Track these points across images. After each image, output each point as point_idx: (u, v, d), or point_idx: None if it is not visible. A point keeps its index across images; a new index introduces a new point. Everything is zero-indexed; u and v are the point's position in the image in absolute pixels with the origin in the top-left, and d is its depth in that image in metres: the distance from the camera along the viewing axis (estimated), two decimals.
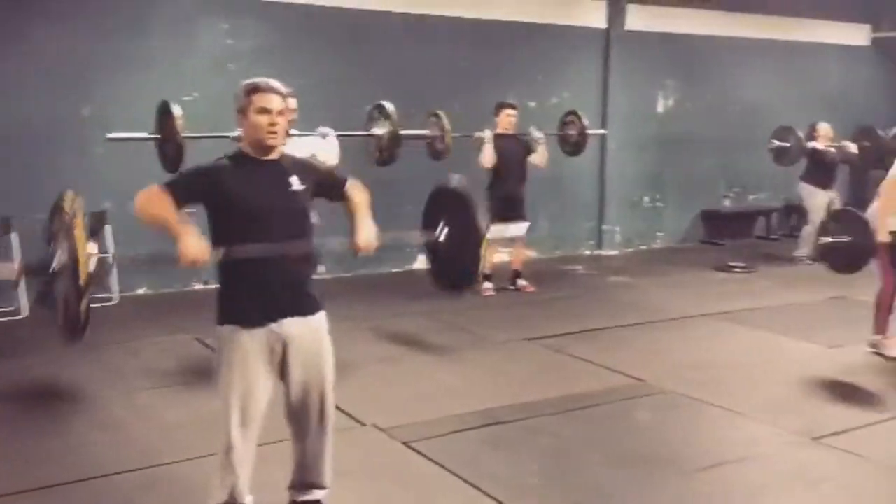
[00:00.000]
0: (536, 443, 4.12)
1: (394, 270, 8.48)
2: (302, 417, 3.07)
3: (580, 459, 3.94)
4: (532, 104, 9.28)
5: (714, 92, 10.61)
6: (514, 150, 7.41)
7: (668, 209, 10.51)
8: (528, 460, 3.92)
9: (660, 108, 10.33)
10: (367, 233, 3.13)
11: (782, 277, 8.47)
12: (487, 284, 7.52)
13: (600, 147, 9.83)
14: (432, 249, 3.50)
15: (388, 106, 6.04)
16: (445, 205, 3.50)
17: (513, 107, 7.55)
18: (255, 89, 2.91)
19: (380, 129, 6.08)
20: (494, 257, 7.58)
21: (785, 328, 6.40)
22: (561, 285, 8.13)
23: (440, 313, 6.67)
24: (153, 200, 2.83)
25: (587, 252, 9.96)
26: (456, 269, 3.45)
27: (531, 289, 7.69)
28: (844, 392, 4.98)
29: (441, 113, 6.72)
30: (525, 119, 8.66)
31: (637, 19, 9.88)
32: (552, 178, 8.75)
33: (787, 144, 9.24)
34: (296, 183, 2.98)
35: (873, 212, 5.60)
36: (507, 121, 7.48)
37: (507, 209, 7.27)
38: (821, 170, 9.04)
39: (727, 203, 10.83)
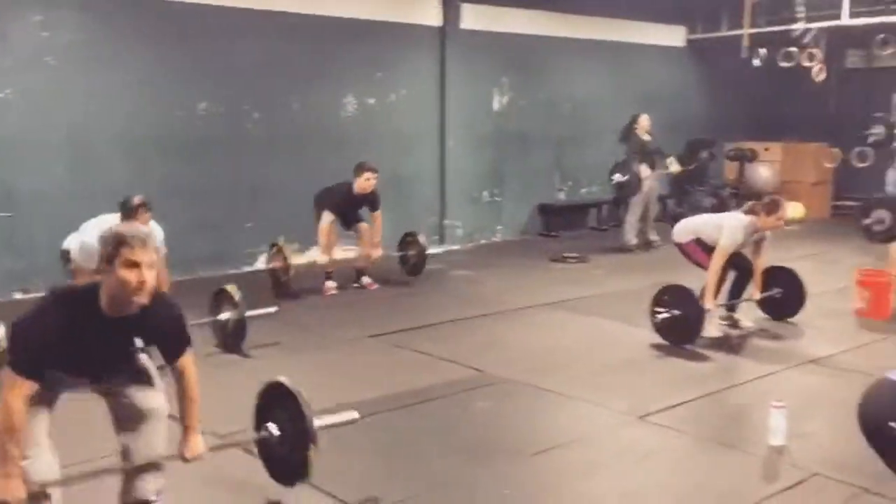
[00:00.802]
0: (376, 438, 4.14)
1: (232, 271, 8.26)
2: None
3: (419, 452, 4.00)
4: (371, 101, 9.30)
5: (547, 90, 11.01)
6: (359, 203, 7.53)
7: (507, 203, 10.82)
8: (367, 456, 3.93)
9: (496, 105, 10.60)
10: (196, 442, 3.06)
11: (613, 266, 8.92)
12: (330, 283, 7.47)
13: (440, 144, 9.99)
14: (265, 447, 3.42)
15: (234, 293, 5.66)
16: (276, 402, 3.40)
17: (374, 170, 7.35)
18: (122, 242, 2.60)
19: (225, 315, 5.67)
20: (338, 255, 7.54)
21: (615, 314, 6.74)
22: (404, 281, 8.19)
23: (281, 314, 6.55)
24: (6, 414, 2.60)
25: (431, 247, 10.07)
26: (288, 467, 3.37)
27: (375, 286, 7.70)
28: (668, 372, 5.31)
29: (281, 244, 6.75)
30: (366, 115, 8.71)
31: (472, 18, 10.09)
32: (393, 176, 8.81)
33: (626, 178, 9.72)
34: (138, 341, 2.82)
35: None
36: (366, 185, 7.34)
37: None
38: (644, 152, 9.67)
39: (561, 196, 11.29)
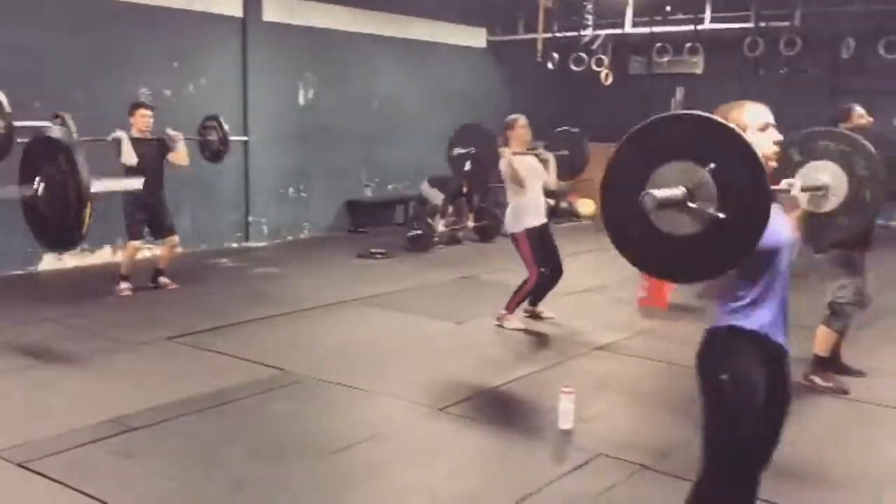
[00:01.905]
0: (172, 445, 3.97)
1: (15, 272, 7.62)
2: None
3: (218, 456, 3.88)
4: (167, 92, 8.89)
5: (353, 86, 11.01)
6: (149, 151, 7.03)
7: (314, 200, 10.72)
8: (163, 465, 3.76)
9: (301, 100, 10.46)
10: None
11: (419, 260, 9.09)
12: (124, 284, 7.07)
13: (243, 139, 9.73)
14: (30, 206, 3.03)
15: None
16: (44, 156, 3.01)
17: (148, 107, 7.14)
18: None
19: None
20: (135, 255, 7.16)
21: (419, 308, 6.87)
22: (206, 280, 7.91)
23: (71, 318, 6.15)
24: None
25: (234, 245, 9.80)
26: (58, 226, 3.00)
27: (173, 286, 7.38)
28: (468, 364, 5.47)
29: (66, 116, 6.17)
30: (161, 107, 8.27)
31: (274, 11, 9.90)
32: (193, 172, 8.45)
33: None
34: None
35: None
36: (142, 121, 7.04)
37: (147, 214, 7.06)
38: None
39: (369, 193, 11.34)
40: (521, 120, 6.32)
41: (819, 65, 11.05)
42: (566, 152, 6.90)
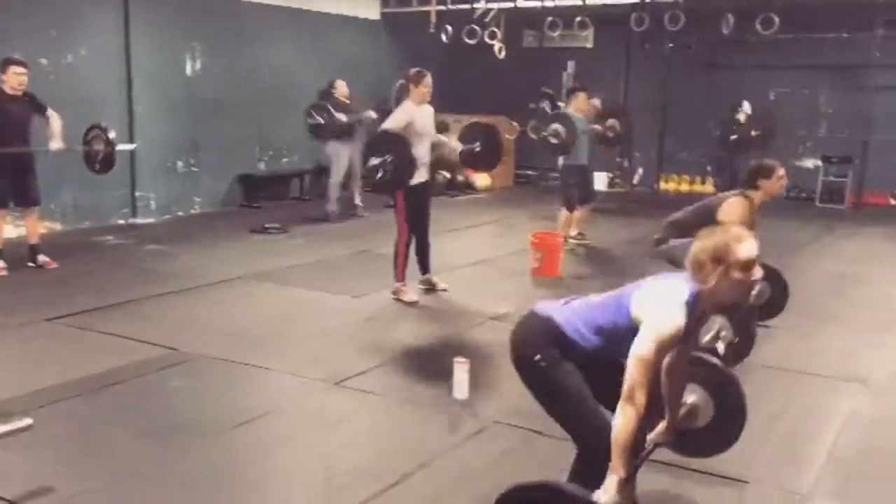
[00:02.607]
0: (56, 431, 3.81)
1: None
2: None
3: (105, 439, 3.76)
4: (44, 61, 8.42)
5: (243, 57, 10.69)
6: (17, 108, 6.66)
7: (205, 174, 10.41)
8: (47, 451, 3.61)
9: (189, 71, 10.10)
10: None
11: (314, 235, 8.98)
12: None
13: (128, 110, 9.34)
14: None
15: None
16: None
17: (20, 64, 6.76)
18: None
19: None
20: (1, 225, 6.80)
21: (315, 283, 6.81)
22: (90, 258, 7.59)
23: None
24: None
25: (121, 221, 9.42)
26: None
27: (54, 264, 7.04)
28: (365, 337, 5.48)
29: None
30: (37, 77, 7.84)
31: None
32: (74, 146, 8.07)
33: (321, 121, 9.73)
34: None
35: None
36: (14, 79, 6.67)
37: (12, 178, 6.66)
38: (343, 128, 9.82)
39: (262, 166, 11.09)
40: (427, 78, 6.30)
41: (701, 40, 11.44)
42: (477, 145, 6.82)
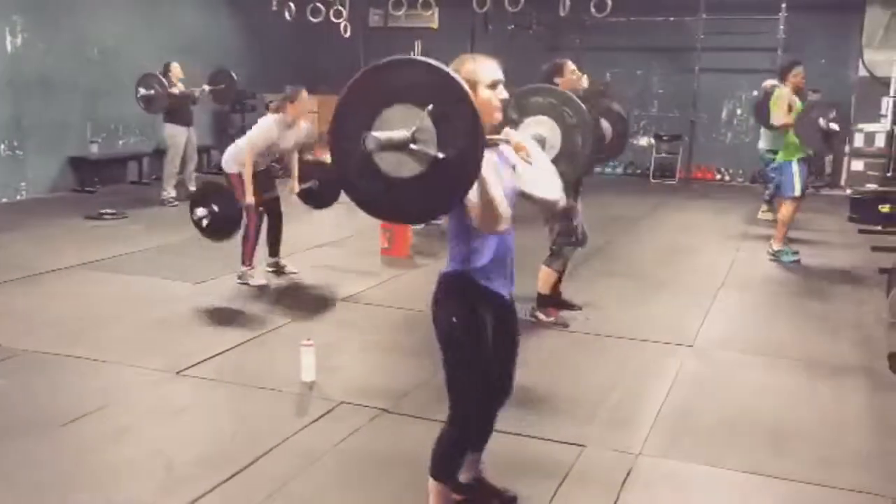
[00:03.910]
0: None
1: None
2: None
3: None
4: None
5: (70, 33, 10.06)
6: None
7: (31, 157, 9.74)
8: None
9: (9, 47, 9.39)
10: None
11: (154, 220, 8.61)
12: None
13: None
14: None
15: None
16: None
17: None
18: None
19: None
20: None
21: (155, 270, 6.54)
22: None
23: None
24: None
25: None
26: None
27: None
28: (209, 324, 5.33)
29: None
30: None
31: None
32: None
33: (152, 92, 9.33)
34: None
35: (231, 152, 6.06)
36: None
37: None
38: (181, 110, 9.47)
39: (95, 149, 10.48)
40: (303, 94, 6.08)
41: (541, 22, 11.77)
42: (315, 183, 6.64)
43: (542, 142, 3.17)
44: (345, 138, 2.34)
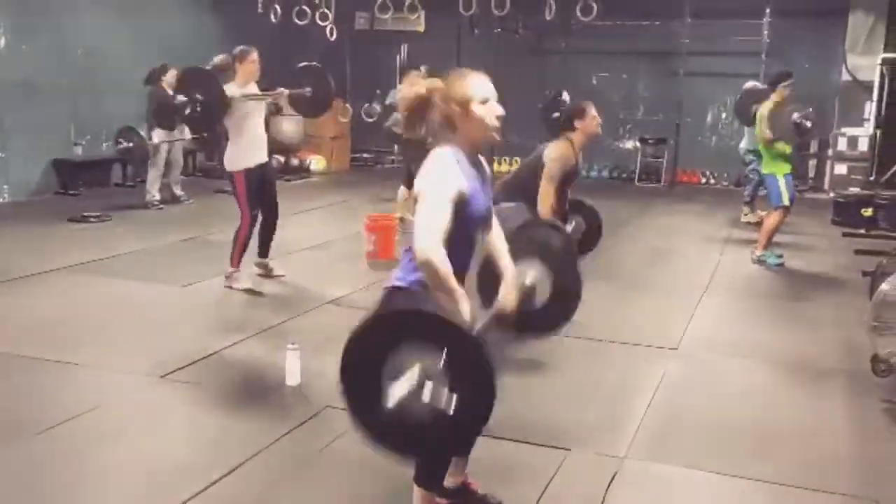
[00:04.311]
0: None
1: None
2: None
3: None
4: None
5: (53, 34, 9.99)
6: None
7: (14, 160, 9.67)
8: None
9: None
10: None
11: (139, 223, 8.58)
12: None
13: None
14: None
15: None
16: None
17: None
18: None
19: None
20: None
21: (140, 273, 6.51)
22: None
23: None
24: None
25: None
26: None
27: None
28: (193, 327, 5.29)
29: None
30: None
31: None
32: None
33: (131, 145, 9.24)
34: None
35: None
36: None
37: None
38: (162, 111, 9.39)
39: (79, 151, 10.41)
40: (253, 54, 6.12)
41: (527, 26, 11.81)
42: (308, 89, 6.68)
43: (531, 291, 3.09)
44: (358, 378, 2.38)
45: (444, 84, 2.59)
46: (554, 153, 5.06)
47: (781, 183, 7.05)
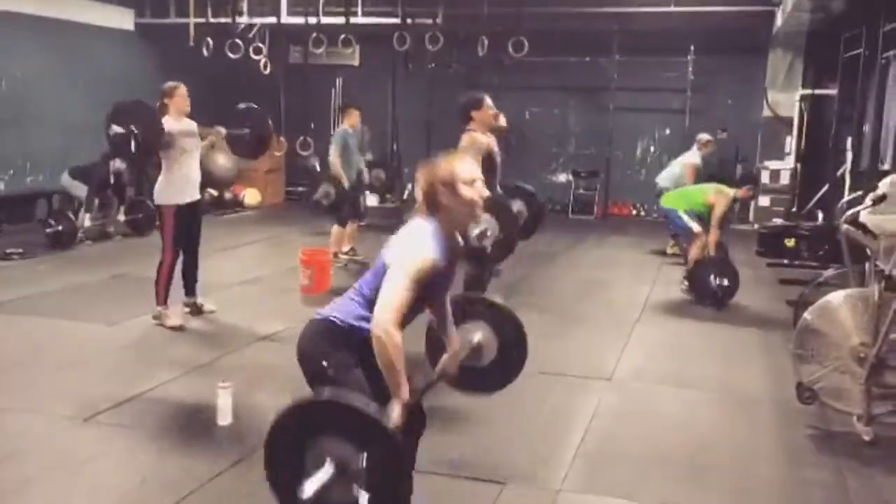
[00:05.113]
0: None
1: None
2: None
3: None
4: None
5: None
6: None
7: None
8: None
9: None
10: None
11: (64, 260, 8.32)
12: None
13: None
14: None
15: None
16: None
17: None
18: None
19: None
20: None
21: (64, 311, 6.30)
22: None
23: None
24: None
25: None
26: None
27: None
28: (122, 367, 5.13)
29: None
30: None
31: None
32: None
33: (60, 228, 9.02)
34: None
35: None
36: None
37: None
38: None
39: (1, 186, 10.08)
40: (182, 88, 6.06)
41: (461, 61, 11.95)
42: (246, 130, 6.62)
43: (478, 350, 3.22)
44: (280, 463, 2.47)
45: (429, 167, 2.72)
46: (463, 143, 5.09)
47: (682, 214, 7.28)
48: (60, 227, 8.85)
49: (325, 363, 2.68)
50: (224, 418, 4.13)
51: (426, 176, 2.71)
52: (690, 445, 4.13)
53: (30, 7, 10.33)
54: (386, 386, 2.64)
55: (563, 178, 13.40)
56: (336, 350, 2.71)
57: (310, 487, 2.34)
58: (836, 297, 4.32)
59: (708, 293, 7.03)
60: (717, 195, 7.23)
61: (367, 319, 2.63)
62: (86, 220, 9.19)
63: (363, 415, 2.36)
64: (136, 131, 5.68)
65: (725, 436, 4.29)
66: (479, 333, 3.20)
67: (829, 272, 6.03)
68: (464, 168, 2.70)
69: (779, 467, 3.91)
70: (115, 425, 4.14)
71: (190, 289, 6.31)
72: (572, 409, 4.60)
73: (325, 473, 2.35)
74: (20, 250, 8.35)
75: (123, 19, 12.02)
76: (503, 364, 3.28)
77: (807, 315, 4.35)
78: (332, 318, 2.71)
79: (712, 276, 7.02)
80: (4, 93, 10.06)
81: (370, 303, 2.66)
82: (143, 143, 5.72)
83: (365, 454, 2.34)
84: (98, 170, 9.18)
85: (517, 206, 5.68)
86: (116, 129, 5.72)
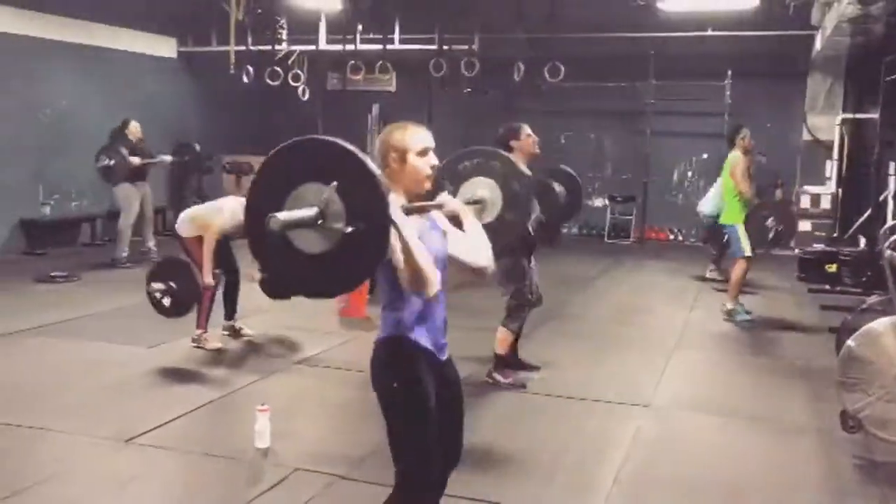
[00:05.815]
0: None
1: None
2: None
3: None
4: None
5: (24, 95, 9.99)
6: None
7: None
8: None
9: None
10: None
11: (106, 283, 8.47)
12: None
13: None
14: None
15: None
16: None
17: None
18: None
19: None
20: None
21: (107, 334, 6.40)
22: None
23: None
24: None
25: None
26: None
27: None
28: (161, 389, 5.20)
29: None
30: None
31: None
32: None
33: (112, 163, 9.27)
34: None
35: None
36: None
37: None
38: (133, 169, 9.41)
39: (47, 211, 10.32)
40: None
41: (497, 86, 12.02)
42: None
43: (482, 202, 3.22)
44: (260, 217, 2.30)
45: (383, 134, 2.66)
46: None
47: (741, 231, 7.17)
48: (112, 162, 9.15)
49: (395, 384, 2.64)
50: (262, 441, 4.15)
51: (382, 137, 2.66)
52: (731, 474, 4.06)
53: (75, 36, 10.63)
54: (454, 398, 2.74)
55: (599, 202, 13.35)
56: (399, 369, 2.64)
57: (285, 215, 2.24)
58: (881, 323, 4.23)
59: (763, 236, 6.98)
60: (731, 167, 7.21)
61: (401, 321, 2.62)
62: (123, 251, 9.37)
63: (345, 149, 2.29)
64: (174, 287, 5.82)
65: (767, 464, 4.21)
66: (478, 188, 3.20)
67: (872, 298, 5.91)
68: (415, 137, 2.63)
69: (822, 497, 3.83)
70: (155, 447, 4.19)
71: (230, 312, 6.38)
72: (610, 436, 4.56)
73: (305, 211, 2.26)
74: (65, 273, 8.53)
75: (166, 48, 12.30)
76: (512, 203, 3.30)
77: (850, 342, 4.27)
78: (380, 338, 2.70)
79: (770, 220, 6.95)
80: (50, 120, 10.33)
81: (393, 302, 2.64)
82: (180, 299, 5.84)
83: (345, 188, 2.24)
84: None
85: (557, 188, 5.65)
86: (155, 285, 5.88)
